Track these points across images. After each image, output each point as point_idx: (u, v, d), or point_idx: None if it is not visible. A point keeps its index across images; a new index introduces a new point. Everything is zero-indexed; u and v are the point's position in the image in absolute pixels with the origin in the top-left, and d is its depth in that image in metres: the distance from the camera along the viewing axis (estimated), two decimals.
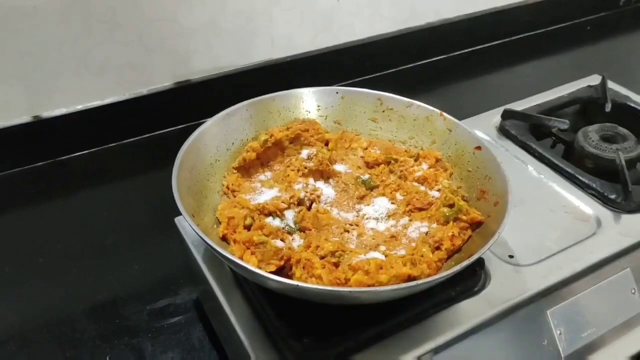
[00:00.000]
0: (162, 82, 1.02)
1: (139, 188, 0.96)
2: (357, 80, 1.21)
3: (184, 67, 1.03)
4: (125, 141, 1.03)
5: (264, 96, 0.73)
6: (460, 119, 0.72)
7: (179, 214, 0.68)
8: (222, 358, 0.68)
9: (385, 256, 0.57)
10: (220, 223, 0.62)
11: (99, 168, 0.98)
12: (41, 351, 0.69)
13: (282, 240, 0.59)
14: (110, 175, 0.97)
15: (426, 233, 0.62)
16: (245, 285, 0.61)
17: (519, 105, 0.94)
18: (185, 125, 1.04)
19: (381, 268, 0.54)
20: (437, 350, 0.56)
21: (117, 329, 0.72)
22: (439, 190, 0.66)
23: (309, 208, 0.65)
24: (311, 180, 0.68)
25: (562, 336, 0.62)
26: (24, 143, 0.94)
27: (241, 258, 0.56)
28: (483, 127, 0.87)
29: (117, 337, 0.71)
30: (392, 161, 0.71)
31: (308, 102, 0.75)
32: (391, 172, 0.70)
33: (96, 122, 0.99)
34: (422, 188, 0.67)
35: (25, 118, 0.93)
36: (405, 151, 0.73)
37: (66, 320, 0.73)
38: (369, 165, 0.72)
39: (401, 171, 0.69)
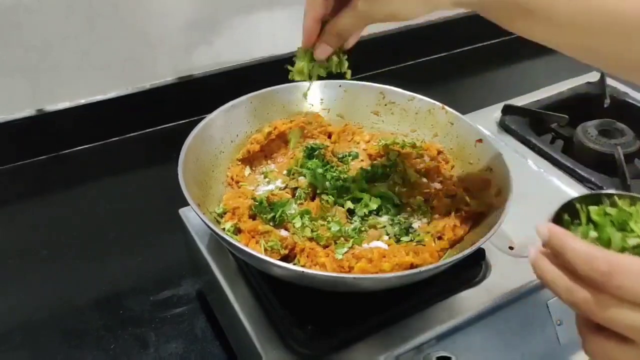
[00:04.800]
0: (165, 77, 1.03)
1: (141, 181, 0.97)
2: (358, 77, 1.21)
3: (186, 62, 1.04)
4: (127, 135, 1.04)
5: (267, 89, 0.73)
6: (461, 114, 0.73)
7: (182, 206, 0.69)
8: (224, 348, 0.69)
9: (388, 245, 0.58)
10: (224, 214, 0.62)
11: (102, 162, 0.99)
12: (46, 341, 0.70)
13: (286, 229, 0.60)
14: (113, 168, 0.98)
15: (428, 223, 0.63)
16: (250, 275, 0.62)
17: (519, 101, 0.95)
18: (187, 120, 1.05)
19: (384, 257, 0.54)
20: (438, 339, 0.57)
21: (121, 319, 0.73)
22: (440, 182, 0.67)
23: (313, 198, 0.66)
24: None
25: (561, 326, 0.63)
26: (27, 136, 0.95)
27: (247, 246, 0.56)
28: (484, 122, 0.87)
29: (121, 327, 0.72)
30: (394, 152, 0.72)
31: (311, 95, 0.76)
32: (393, 164, 0.70)
33: (99, 116, 0.99)
34: (424, 180, 0.68)
35: (29, 111, 0.94)
36: (407, 143, 0.74)
37: (71, 311, 0.74)
38: (372, 158, 0.72)
39: (403, 163, 0.70)
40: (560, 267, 0.41)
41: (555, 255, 0.42)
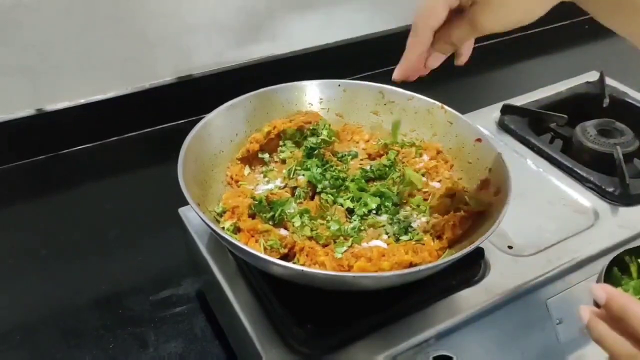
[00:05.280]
0: (164, 76, 1.03)
1: (140, 181, 0.97)
2: (357, 76, 1.21)
3: (186, 62, 1.04)
4: (127, 135, 1.04)
5: (267, 88, 0.73)
6: (460, 113, 0.73)
7: (181, 205, 0.69)
8: (224, 347, 0.69)
9: (387, 244, 0.58)
10: (224, 213, 0.62)
11: (102, 161, 0.99)
12: (45, 341, 0.70)
13: (285, 228, 0.60)
14: (112, 168, 0.98)
15: (427, 222, 0.63)
16: (249, 274, 0.62)
17: (518, 101, 0.95)
18: (186, 120, 1.05)
19: (383, 255, 0.54)
20: (437, 338, 0.57)
21: (120, 319, 0.73)
22: (440, 181, 0.67)
23: (312, 197, 0.66)
24: None
25: (560, 325, 0.63)
26: (27, 136, 0.95)
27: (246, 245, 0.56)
28: (483, 122, 0.87)
29: (120, 327, 0.72)
30: (393, 151, 0.72)
31: (310, 95, 0.76)
32: (393, 163, 0.70)
33: (99, 116, 0.99)
34: (424, 179, 0.68)
35: (28, 111, 0.94)
36: (407, 143, 0.74)
37: (70, 311, 0.74)
38: (371, 157, 0.73)
39: (403, 163, 0.70)
40: (618, 331, 0.40)
41: (614, 319, 0.41)
